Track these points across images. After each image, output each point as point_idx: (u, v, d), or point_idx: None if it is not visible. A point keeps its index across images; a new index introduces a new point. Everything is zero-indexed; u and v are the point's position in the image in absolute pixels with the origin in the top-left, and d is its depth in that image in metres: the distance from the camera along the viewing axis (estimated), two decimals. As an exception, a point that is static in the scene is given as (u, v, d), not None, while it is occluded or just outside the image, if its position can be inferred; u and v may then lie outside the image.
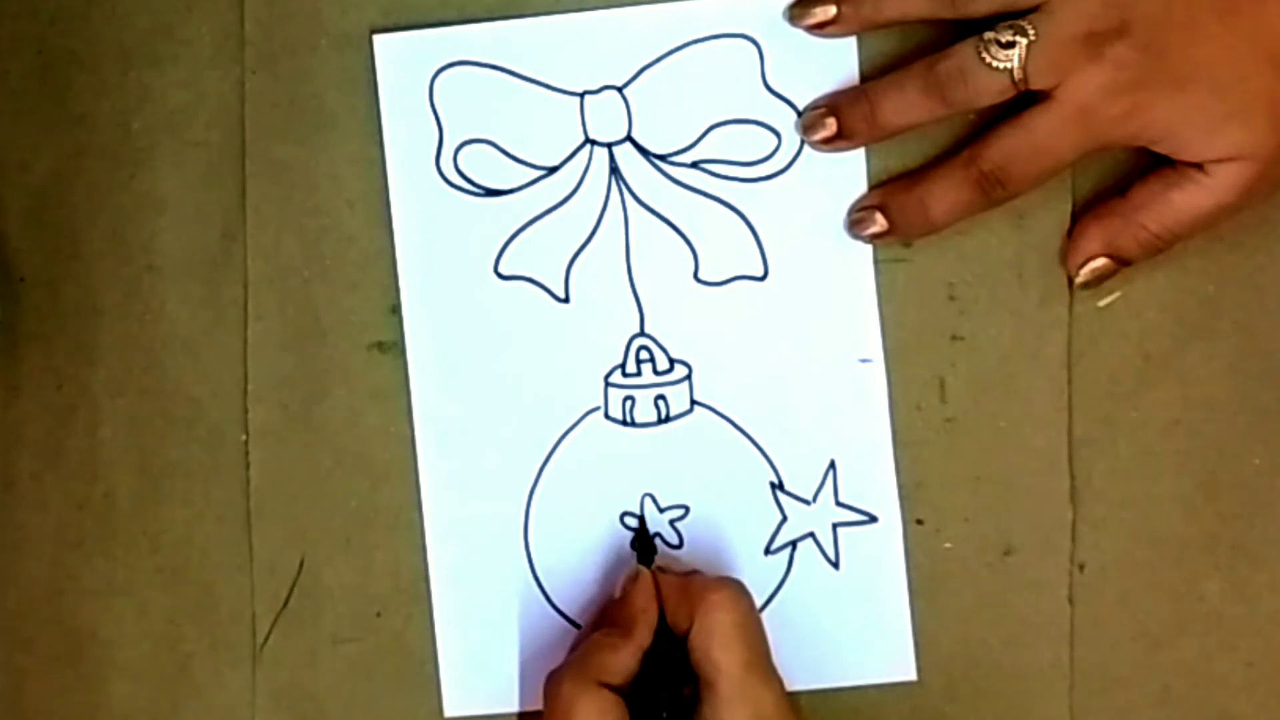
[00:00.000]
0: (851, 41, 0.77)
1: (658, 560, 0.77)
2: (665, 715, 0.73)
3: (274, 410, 0.80)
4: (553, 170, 0.79)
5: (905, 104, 0.75)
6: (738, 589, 0.74)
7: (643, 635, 0.74)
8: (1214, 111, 0.72)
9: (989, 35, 0.73)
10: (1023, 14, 0.73)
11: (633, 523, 0.79)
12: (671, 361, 0.79)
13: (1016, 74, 0.73)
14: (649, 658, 0.74)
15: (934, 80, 0.74)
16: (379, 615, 0.80)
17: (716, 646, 0.72)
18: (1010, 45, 0.72)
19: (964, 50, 0.73)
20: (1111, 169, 0.77)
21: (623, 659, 0.73)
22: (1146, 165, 0.76)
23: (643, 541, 0.78)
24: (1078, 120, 0.73)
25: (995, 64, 0.73)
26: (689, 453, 0.79)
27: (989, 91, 0.73)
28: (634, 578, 0.76)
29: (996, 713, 0.79)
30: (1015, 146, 0.74)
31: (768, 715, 0.72)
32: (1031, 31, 0.72)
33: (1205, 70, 0.72)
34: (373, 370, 0.80)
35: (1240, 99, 0.72)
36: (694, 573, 0.76)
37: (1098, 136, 0.73)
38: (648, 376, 0.79)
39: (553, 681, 0.74)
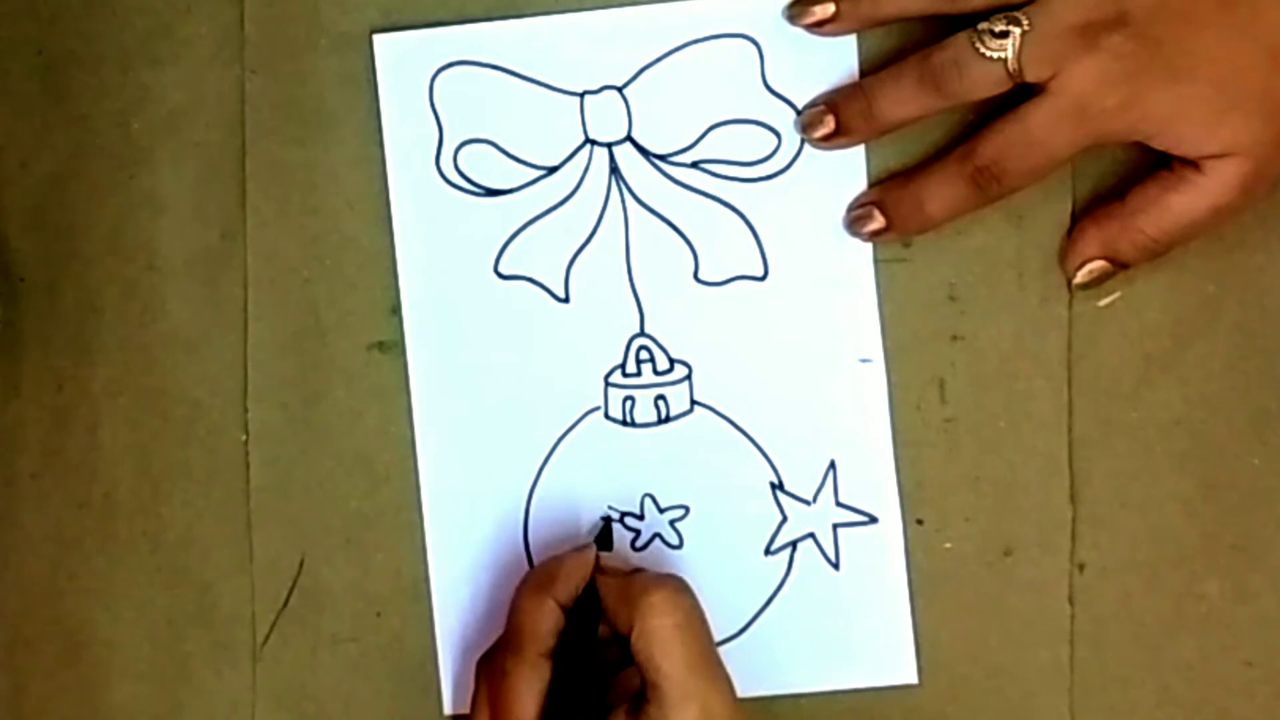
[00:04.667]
0: (851, 40, 0.77)
1: (604, 560, 0.76)
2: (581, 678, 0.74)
3: (274, 410, 0.80)
4: (553, 170, 0.79)
5: (901, 97, 0.75)
6: (676, 588, 0.73)
7: (561, 591, 0.74)
8: (1211, 104, 0.72)
9: (983, 25, 0.73)
10: (1020, 7, 0.73)
11: (634, 523, 0.79)
12: (671, 361, 0.79)
13: (1011, 64, 0.72)
14: (576, 620, 0.74)
15: (929, 72, 0.74)
16: (379, 615, 0.80)
17: (657, 649, 0.71)
18: (1004, 35, 0.72)
19: (958, 41, 0.73)
20: (1111, 169, 0.77)
21: (545, 616, 0.74)
22: (1146, 167, 0.76)
23: (603, 535, 0.78)
24: (1073, 112, 0.73)
25: (989, 54, 0.72)
26: (689, 453, 0.79)
27: (984, 83, 0.73)
28: (581, 547, 0.77)
29: (996, 713, 0.79)
30: (1010, 140, 0.74)
31: (714, 714, 0.71)
32: (1025, 21, 0.72)
33: (1203, 63, 0.72)
34: (373, 370, 0.80)
35: (1237, 93, 0.72)
36: (636, 571, 0.76)
37: (1093, 129, 0.73)
38: (648, 376, 0.79)
39: (484, 659, 0.75)
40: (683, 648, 0.72)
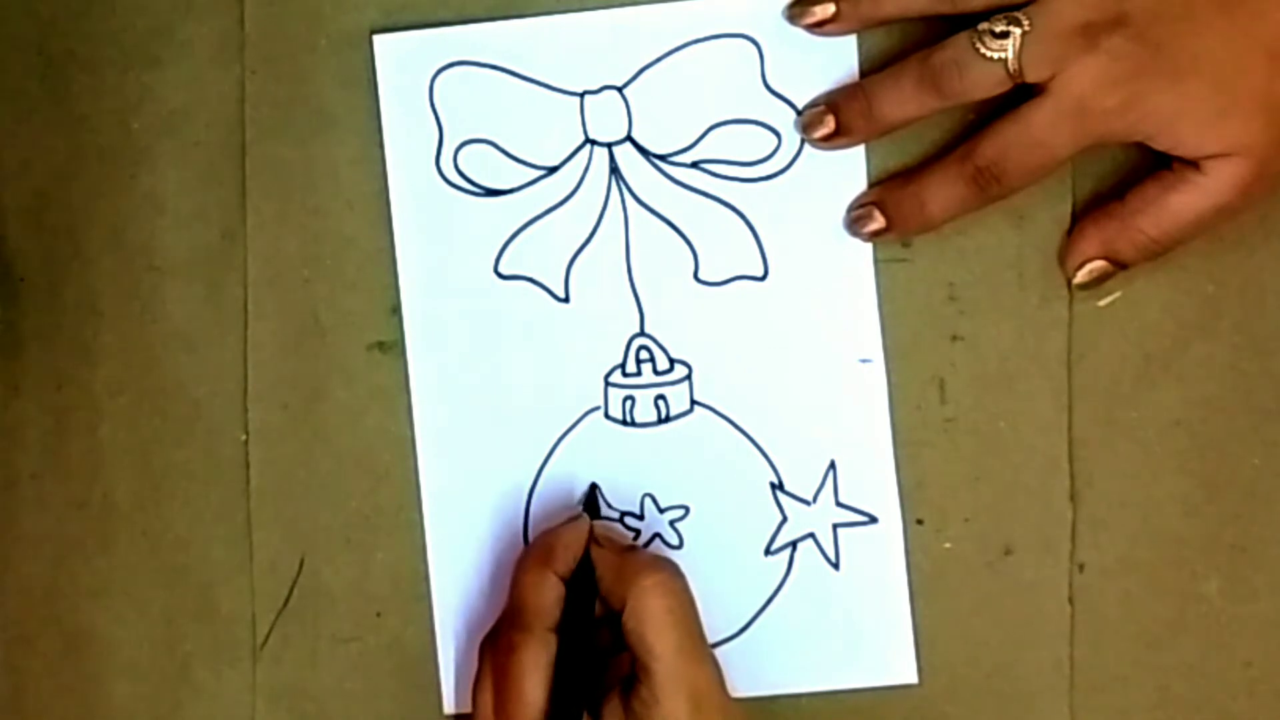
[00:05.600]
0: (851, 40, 0.77)
1: (598, 529, 0.77)
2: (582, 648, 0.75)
3: (274, 410, 0.80)
4: (553, 170, 0.79)
5: (901, 98, 0.75)
6: (670, 571, 0.74)
7: (560, 563, 0.75)
8: (1211, 105, 0.72)
9: (983, 26, 0.73)
10: (1020, 7, 0.73)
11: (634, 523, 0.79)
12: (671, 361, 0.79)
13: (1011, 65, 0.73)
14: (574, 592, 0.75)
15: (929, 73, 0.74)
16: (379, 615, 0.80)
17: (650, 631, 0.73)
18: (1004, 35, 0.72)
19: (959, 42, 0.73)
20: (1111, 170, 0.77)
21: (548, 590, 0.74)
22: (1146, 167, 0.76)
23: (590, 502, 0.79)
24: (1073, 113, 0.73)
25: (989, 54, 0.73)
26: (689, 453, 0.79)
27: (984, 83, 0.73)
28: (573, 518, 0.77)
29: (996, 713, 0.79)
30: (1010, 141, 0.74)
31: (702, 695, 0.72)
32: (1026, 22, 0.72)
33: (1203, 63, 0.72)
34: (373, 370, 0.80)
35: (1238, 93, 0.72)
36: (631, 548, 0.77)
37: (1093, 130, 0.73)
38: (648, 376, 0.79)
39: (488, 636, 0.76)
40: (674, 630, 0.73)
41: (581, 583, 0.75)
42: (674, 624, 0.73)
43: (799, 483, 0.79)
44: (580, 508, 0.79)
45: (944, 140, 0.77)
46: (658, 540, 0.79)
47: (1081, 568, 0.78)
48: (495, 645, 0.75)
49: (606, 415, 0.80)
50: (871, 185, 0.78)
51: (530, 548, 0.77)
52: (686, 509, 0.79)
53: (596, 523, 0.77)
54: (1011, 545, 0.79)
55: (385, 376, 0.80)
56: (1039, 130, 0.73)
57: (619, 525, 0.79)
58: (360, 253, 0.80)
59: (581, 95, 0.79)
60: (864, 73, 0.77)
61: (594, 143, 0.79)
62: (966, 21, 0.73)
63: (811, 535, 0.79)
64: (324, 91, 0.79)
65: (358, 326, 0.80)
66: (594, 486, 0.79)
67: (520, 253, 0.79)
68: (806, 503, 0.79)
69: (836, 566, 0.79)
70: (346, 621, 0.80)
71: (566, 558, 0.75)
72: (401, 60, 0.79)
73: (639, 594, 0.73)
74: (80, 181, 0.81)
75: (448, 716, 0.80)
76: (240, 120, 0.80)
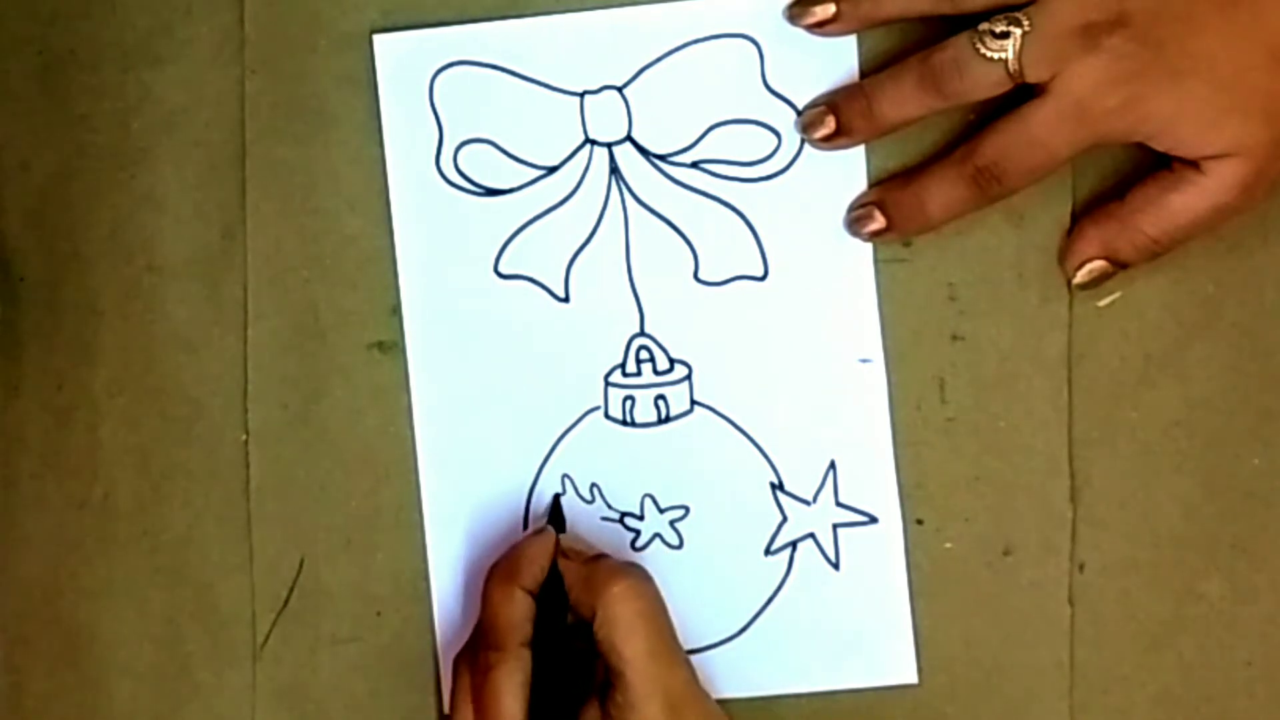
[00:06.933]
0: (851, 40, 0.77)
1: (563, 542, 0.77)
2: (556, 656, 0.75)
3: (274, 410, 0.80)
4: (553, 170, 0.79)
5: (902, 98, 0.75)
6: (638, 577, 0.75)
7: (527, 578, 0.75)
8: (1211, 105, 0.72)
9: (984, 26, 0.73)
10: (1021, 7, 0.73)
11: (633, 523, 0.79)
12: (671, 361, 0.79)
13: (1011, 65, 0.73)
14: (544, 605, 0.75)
15: (929, 73, 0.74)
16: (379, 615, 0.80)
17: (620, 637, 0.73)
18: (1004, 35, 0.72)
19: (959, 42, 0.73)
20: (1111, 169, 0.77)
21: (517, 606, 0.75)
22: (1146, 167, 0.76)
23: (555, 514, 0.79)
24: (1074, 113, 0.73)
25: (990, 55, 0.73)
26: (689, 453, 0.79)
27: (984, 83, 0.73)
28: (538, 531, 0.78)
29: (996, 713, 0.79)
30: (1011, 141, 0.74)
31: (677, 696, 0.73)
32: (1026, 22, 0.72)
33: (1203, 63, 0.72)
34: (373, 370, 0.80)
35: (1238, 93, 0.72)
36: (600, 557, 0.77)
37: (1094, 130, 0.73)
38: (648, 376, 0.79)
39: (462, 652, 0.77)
40: (645, 635, 0.73)
41: (551, 595, 0.75)
42: (644, 629, 0.73)
43: (799, 483, 0.79)
44: (545, 521, 0.79)
45: (944, 140, 0.77)
46: (658, 540, 0.79)
47: (1081, 568, 0.78)
48: (471, 664, 0.75)
49: (606, 415, 0.80)
50: (871, 185, 0.78)
51: (496, 565, 0.76)
52: (686, 509, 0.79)
53: (561, 535, 0.77)
54: (1011, 545, 0.79)
55: (385, 376, 0.80)
56: (1039, 130, 0.73)
57: (619, 526, 0.79)
58: (360, 253, 0.80)
59: (581, 95, 0.79)
60: (864, 73, 0.77)
61: (594, 143, 0.79)
62: (966, 21, 0.73)
63: (811, 535, 0.79)
64: (324, 91, 0.79)
65: (358, 326, 0.80)
66: (557, 498, 0.79)
67: (520, 253, 0.79)
68: (806, 503, 0.79)
69: (836, 566, 0.79)
70: (346, 621, 0.80)
71: (533, 571, 0.75)
72: (401, 60, 0.79)
73: (608, 601, 0.73)
74: (80, 181, 0.81)
75: (448, 717, 0.80)
76: (240, 120, 0.80)
